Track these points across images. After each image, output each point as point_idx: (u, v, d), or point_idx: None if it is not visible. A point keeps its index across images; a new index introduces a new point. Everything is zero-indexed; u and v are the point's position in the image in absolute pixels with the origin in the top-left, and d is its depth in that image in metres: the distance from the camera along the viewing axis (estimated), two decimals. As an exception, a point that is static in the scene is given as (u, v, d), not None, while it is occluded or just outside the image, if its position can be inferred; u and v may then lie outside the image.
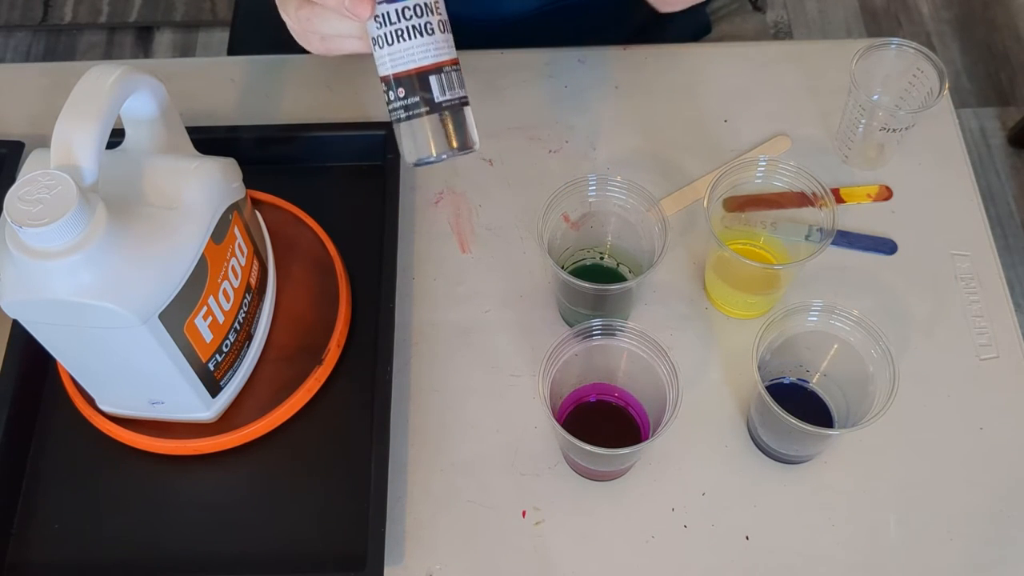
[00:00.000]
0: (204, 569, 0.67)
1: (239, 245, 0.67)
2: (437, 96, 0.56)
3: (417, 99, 0.56)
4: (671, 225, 0.74)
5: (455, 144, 0.57)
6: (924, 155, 0.84)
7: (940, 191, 0.83)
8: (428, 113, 0.56)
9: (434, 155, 0.57)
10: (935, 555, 0.68)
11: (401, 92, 0.56)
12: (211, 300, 0.64)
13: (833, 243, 0.73)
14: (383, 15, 0.55)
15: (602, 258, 0.77)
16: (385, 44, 0.56)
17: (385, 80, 0.57)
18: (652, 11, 0.76)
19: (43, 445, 0.72)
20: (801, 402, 0.71)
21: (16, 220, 0.52)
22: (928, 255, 0.80)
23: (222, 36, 1.92)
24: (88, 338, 0.60)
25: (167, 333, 0.60)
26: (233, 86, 0.89)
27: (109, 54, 1.91)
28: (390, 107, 0.57)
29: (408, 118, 0.56)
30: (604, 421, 0.71)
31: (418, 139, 0.57)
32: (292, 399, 0.71)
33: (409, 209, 0.81)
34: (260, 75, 0.90)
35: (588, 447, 0.61)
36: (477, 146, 0.58)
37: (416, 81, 0.56)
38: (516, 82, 0.88)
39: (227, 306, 0.66)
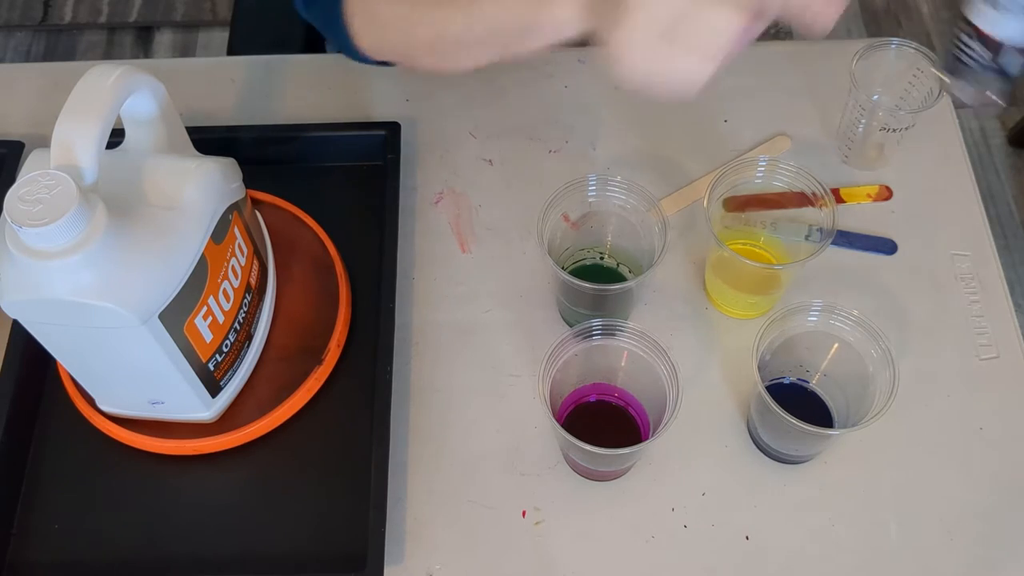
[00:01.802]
0: (204, 569, 0.67)
1: (239, 245, 0.67)
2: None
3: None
4: (671, 225, 0.74)
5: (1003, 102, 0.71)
6: (924, 155, 0.84)
7: (940, 191, 0.83)
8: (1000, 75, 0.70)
9: (1003, 103, 0.70)
10: (935, 555, 0.68)
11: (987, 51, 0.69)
12: (211, 300, 0.64)
13: (833, 243, 0.73)
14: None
15: (602, 258, 0.77)
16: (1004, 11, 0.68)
17: (984, 37, 0.68)
18: None
19: (43, 445, 0.72)
20: (801, 402, 0.71)
21: (16, 220, 0.52)
22: (928, 255, 0.80)
23: (222, 36, 1.92)
24: (88, 338, 0.60)
25: (167, 333, 0.60)
26: (233, 86, 0.89)
27: (109, 54, 1.91)
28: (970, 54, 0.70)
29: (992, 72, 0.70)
30: (604, 421, 0.71)
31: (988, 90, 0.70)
32: (292, 399, 0.71)
33: (409, 209, 0.81)
34: (260, 75, 0.90)
35: (588, 447, 0.61)
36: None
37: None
38: (516, 82, 0.88)
39: (227, 306, 0.66)
